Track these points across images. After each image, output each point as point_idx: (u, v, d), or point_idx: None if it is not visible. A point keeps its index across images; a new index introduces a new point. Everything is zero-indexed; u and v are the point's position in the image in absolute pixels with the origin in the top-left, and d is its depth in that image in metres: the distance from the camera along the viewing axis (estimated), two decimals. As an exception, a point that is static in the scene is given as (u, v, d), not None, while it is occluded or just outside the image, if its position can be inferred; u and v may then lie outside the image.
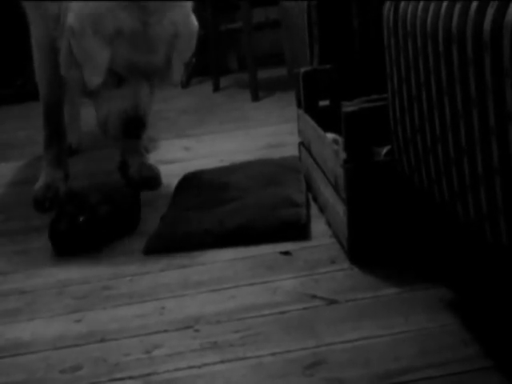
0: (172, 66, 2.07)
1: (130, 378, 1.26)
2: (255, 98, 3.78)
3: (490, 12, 0.97)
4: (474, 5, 1.01)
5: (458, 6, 1.06)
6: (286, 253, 1.70)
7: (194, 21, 2.12)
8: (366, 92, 1.73)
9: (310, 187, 2.07)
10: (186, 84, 4.61)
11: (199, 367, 1.26)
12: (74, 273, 1.76)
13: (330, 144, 1.75)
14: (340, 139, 1.75)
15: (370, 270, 1.54)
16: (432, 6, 1.17)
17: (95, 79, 2.01)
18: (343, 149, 1.59)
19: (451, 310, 1.33)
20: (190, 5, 2.12)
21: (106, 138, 2.16)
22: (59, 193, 2.31)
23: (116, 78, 2.02)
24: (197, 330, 1.39)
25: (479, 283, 1.42)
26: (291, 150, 2.39)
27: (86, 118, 2.91)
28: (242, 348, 1.30)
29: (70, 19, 1.97)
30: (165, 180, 2.39)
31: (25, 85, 4.37)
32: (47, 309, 1.58)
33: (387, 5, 1.42)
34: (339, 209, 1.65)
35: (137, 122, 2.04)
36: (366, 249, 1.59)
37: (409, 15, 1.28)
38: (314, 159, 1.96)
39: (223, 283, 1.58)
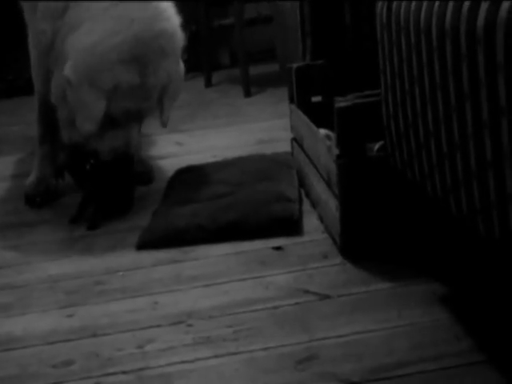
0: (163, 108, 2.13)
1: (123, 372, 1.26)
2: (247, 93, 3.77)
3: (484, 7, 0.97)
4: (468, 0, 1.01)
5: (451, 2, 1.06)
6: (279, 248, 1.70)
7: (182, 65, 2.20)
8: (359, 87, 1.73)
9: (302, 183, 2.07)
10: (178, 80, 4.60)
11: (192, 362, 1.26)
12: (66, 267, 1.75)
13: (322, 139, 1.75)
14: (332, 135, 1.75)
15: (362, 264, 1.54)
16: (425, 1, 1.17)
17: (88, 127, 2.03)
18: (336, 144, 1.59)
19: (444, 304, 1.34)
20: (179, 51, 2.16)
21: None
22: (50, 188, 2.30)
23: (109, 120, 2.05)
24: (189, 325, 1.39)
25: (472, 277, 1.42)
26: (284, 146, 2.39)
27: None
28: (234, 343, 1.30)
29: (67, 70, 1.99)
30: (157, 175, 2.39)
31: (16, 80, 4.36)
32: (39, 303, 1.58)
33: (380, 0, 1.42)
34: (332, 204, 1.65)
35: (126, 160, 2.09)
36: (359, 244, 1.59)
37: (402, 10, 1.28)
38: (307, 155, 1.96)
39: (216, 278, 1.58)
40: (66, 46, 2.03)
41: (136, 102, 2.04)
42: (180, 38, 2.13)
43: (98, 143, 2.08)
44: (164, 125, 2.20)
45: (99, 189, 2.06)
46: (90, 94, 2.00)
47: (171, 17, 2.08)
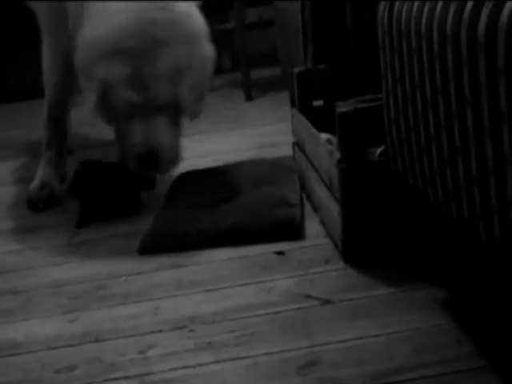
0: (185, 99, 2.04)
1: (125, 378, 1.26)
2: (249, 97, 3.78)
3: (485, 13, 0.97)
4: (469, 6, 1.02)
5: (452, 7, 1.07)
6: (280, 253, 1.70)
7: (203, 50, 2.10)
8: (360, 92, 1.73)
9: (303, 187, 2.07)
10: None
11: (194, 367, 1.26)
12: (69, 273, 1.76)
13: (324, 144, 1.75)
14: (334, 139, 1.76)
15: (364, 269, 1.54)
16: (427, 6, 1.17)
17: (92, 114, 2.07)
18: (337, 149, 1.59)
19: (445, 309, 1.34)
20: (198, 35, 2.10)
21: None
22: (54, 193, 2.31)
23: (126, 113, 2.02)
24: (192, 330, 1.39)
25: (473, 283, 1.42)
26: (285, 150, 2.39)
27: (76, 118, 2.90)
28: (236, 348, 1.30)
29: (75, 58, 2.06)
30: (159, 180, 2.39)
31: (17, 84, 4.36)
32: (42, 309, 1.58)
33: (382, 5, 1.42)
34: (333, 209, 1.65)
35: (148, 157, 2.02)
36: (360, 249, 1.59)
37: (403, 15, 1.28)
38: (308, 159, 1.97)
39: (218, 283, 1.58)
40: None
41: (137, 94, 1.99)
42: (192, 24, 2.08)
43: (122, 138, 2.08)
44: (191, 118, 2.14)
45: (91, 189, 2.07)
46: (86, 85, 2.04)
47: (168, 5, 2.04)
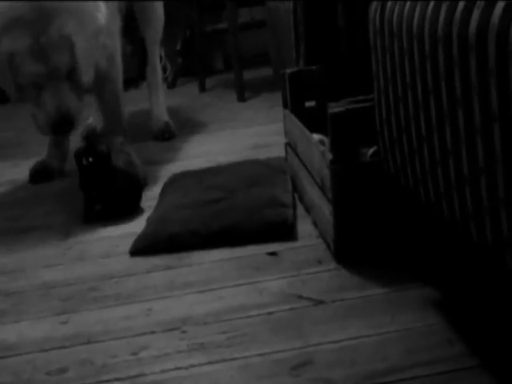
0: (78, 66, 2.22)
1: (117, 379, 1.26)
2: (241, 98, 3.78)
3: (476, 13, 0.97)
4: (460, 6, 1.02)
5: (444, 8, 1.07)
6: (273, 253, 1.70)
7: (92, 18, 2.26)
8: (353, 92, 1.73)
9: (296, 187, 2.08)
10: (172, 85, 4.61)
11: (186, 368, 1.26)
12: (60, 274, 1.75)
13: (316, 145, 1.75)
14: (326, 140, 1.76)
15: (356, 270, 1.54)
16: (418, 7, 1.17)
17: (11, 94, 2.25)
18: (329, 149, 1.59)
19: (437, 309, 1.34)
20: (85, 4, 2.24)
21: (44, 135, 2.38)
22: (49, 168, 2.63)
23: (34, 85, 2.19)
24: (184, 332, 1.39)
25: (465, 283, 1.42)
26: (277, 151, 2.39)
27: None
28: (229, 349, 1.30)
29: None
30: (151, 180, 2.39)
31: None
32: (33, 310, 1.57)
33: (374, 5, 1.42)
34: (325, 209, 1.65)
35: (61, 120, 2.22)
36: (353, 249, 1.59)
37: (395, 16, 1.28)
38: (301, 160, 1.97)
39: (210, 284, 1.58)
40: None
41: (39, 64, 2.15)
42: None
43: (38, 115, 2.25)
44: (82, 80, 2.26)
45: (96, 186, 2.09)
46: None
47: None
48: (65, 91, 2.21)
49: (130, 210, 2.10)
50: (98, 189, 2.08)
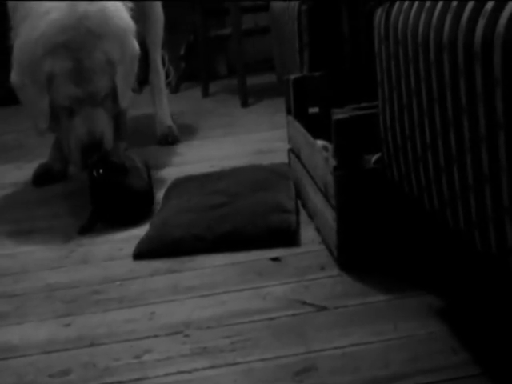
0: (117, 89, 2.23)
1: (120, 382, 1.26)
2: (245, 103, 3.79)
3: (482, 22, 0.97)
4: (466, 14, 1.02)
5: (449, 16, 1.07)
6: (276, 259, 1.71)
7: (131, 45, 2.28)
8: (356, 99, 1.74)
9: (299, 193, 2.08)
10: (175, 89, 4.62)
11: (189, 372, 1.26)
12: (63, 277, 1.76)
13: (319, 151, 1.76)
14: (330, 146, 1.76)
15: (359, 276, 1.55)
16: (423, 14, 1.18)
17: (41, 124, 2.23)
18: (333, 156, 1.59)
19: (440, 317, 1.34)
20: (126, 30, 2.26)
21: (74, 166, 2.37)
22: (50, 171, 2.64)
23: (66, 111, 2.20)
24: (187, 336, 1.39)
25: (468, 291, 1.42)
26: (281, 157, 2.40)
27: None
28: (231, 354, 1.30)
29: (11, 76, 2.20)
30: (155, 185, 2.39)
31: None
32: (36, 313, 1.58)
33: (378, 12, 1.43)
34: (329, 215, 1.65)
35: (93, 147, 2.20)
36: (356, 256, 1.60)
37: (400, 23, 1.29)
38: (304, 166, 1.97)
39: (213, 289, 1.59)
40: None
41: (78, 87, 2.15)
42: (120, 18, 2.24)
43: (65, 137, 2.25)
44: (122, 105, 2.29)
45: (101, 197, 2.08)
46: (34, 91, 2.15)
47: (98, 2, 2.19)
48: (98, 116, 2.21)
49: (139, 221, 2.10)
50: (109, 205, 2.07)
